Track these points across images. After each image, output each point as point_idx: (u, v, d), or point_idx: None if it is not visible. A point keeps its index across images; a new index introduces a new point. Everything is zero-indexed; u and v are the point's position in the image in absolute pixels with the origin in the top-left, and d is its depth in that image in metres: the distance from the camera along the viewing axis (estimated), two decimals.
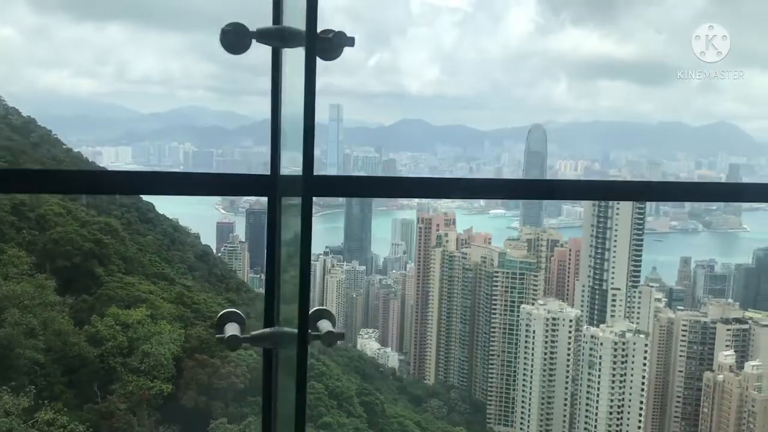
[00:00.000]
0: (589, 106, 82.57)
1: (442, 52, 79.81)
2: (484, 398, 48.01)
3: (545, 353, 44.43)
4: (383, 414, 36.13)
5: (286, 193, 2.72)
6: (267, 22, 2.69)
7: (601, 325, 44.28)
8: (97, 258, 28.16)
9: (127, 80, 76.31)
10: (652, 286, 47.10)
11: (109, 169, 47.42)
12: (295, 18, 2.57)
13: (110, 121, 63.44)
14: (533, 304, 46.37)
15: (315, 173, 2.52)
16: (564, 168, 62.70)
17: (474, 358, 49.19)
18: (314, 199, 2.55)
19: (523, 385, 45.43)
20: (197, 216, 46.77)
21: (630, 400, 42.13)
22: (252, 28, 2.59)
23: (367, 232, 58.55)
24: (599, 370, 42.16)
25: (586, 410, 42.97)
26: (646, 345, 42.41)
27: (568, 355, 44.32)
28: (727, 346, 43.70)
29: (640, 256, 46.56)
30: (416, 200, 51.79)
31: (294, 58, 2.62)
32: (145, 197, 35.83)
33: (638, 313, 45.80)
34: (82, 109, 62.72)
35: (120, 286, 27.31)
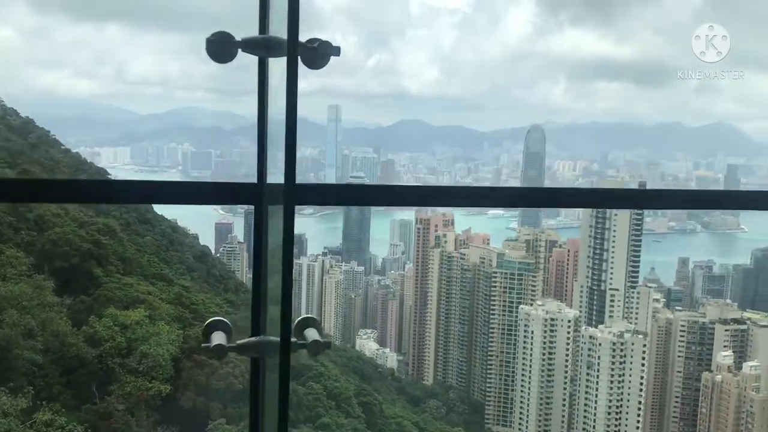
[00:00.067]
0: (587, 107, 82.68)
1: (440, 53, 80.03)
2: (482, 399, 48.02)
3: (544, 354, 44.44)
4: (382, 414, 36.14)
5: (273, 201, 2.73)
6: None
7: (600, 326, 44.31)
8: (96, 259, 28.14)
9: (126, 81, 76.53)
10: (650, 287, 47.13)
11: (108, 169, 47.59)
12: (282, 26, 2.57)
13: (109, 121, 63.57)
14: (532, 304, 46.40)
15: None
16: (562, 168, 62.81)
17: (472, 359, 49.17)
18: None
19: (522, 386, 45.44)
20: (196, 217, 46.73)
21: (628, 401, 42.14)
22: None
23: (366, 233, 58.54)
24: (598, 371, 42.18)
25: (585, 410, 42.98)
26: (644, 345, 42.45)
27: (567, 355, 44.34)
28: (725, 346, 43.74)
29: (639, 256, 46.59)
30: None
31: (283, 66, 2.63)
32: None
33: (636, 313, 45.83)
34: (80, 110, 62.80)
35: (118, 287, 27.28)
